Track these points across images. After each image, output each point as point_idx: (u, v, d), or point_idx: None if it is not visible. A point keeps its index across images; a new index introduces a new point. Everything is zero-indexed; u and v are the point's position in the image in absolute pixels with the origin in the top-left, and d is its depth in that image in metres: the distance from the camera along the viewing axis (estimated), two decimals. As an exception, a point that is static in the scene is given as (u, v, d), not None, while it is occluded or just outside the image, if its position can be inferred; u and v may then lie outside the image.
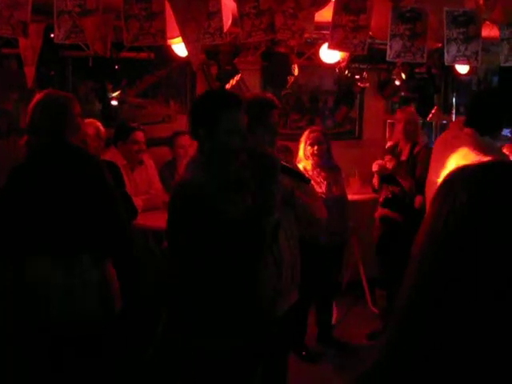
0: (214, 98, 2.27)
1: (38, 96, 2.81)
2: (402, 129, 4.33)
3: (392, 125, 5.35)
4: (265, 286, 2.34)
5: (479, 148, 2.90)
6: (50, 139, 2.74)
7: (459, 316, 0.71)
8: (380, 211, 4.38)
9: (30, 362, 2.78)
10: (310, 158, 4.02)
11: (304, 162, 4.02)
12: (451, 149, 3.01)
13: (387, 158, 4.27)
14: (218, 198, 2.12)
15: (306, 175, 3.75)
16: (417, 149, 4.28)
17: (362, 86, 5.17)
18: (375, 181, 4.36)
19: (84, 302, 2.66)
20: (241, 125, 2.20)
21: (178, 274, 2.31)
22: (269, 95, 2.85)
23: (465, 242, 0.72)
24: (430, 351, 0.72)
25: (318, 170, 4.03)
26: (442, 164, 3.04)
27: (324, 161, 4.04)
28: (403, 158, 4.30)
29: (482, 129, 3.00)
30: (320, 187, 3.96)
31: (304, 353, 4.10)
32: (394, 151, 4.38)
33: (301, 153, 4.07)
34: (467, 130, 3.04)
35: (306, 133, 4.09)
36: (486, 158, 2.78)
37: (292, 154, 3.77)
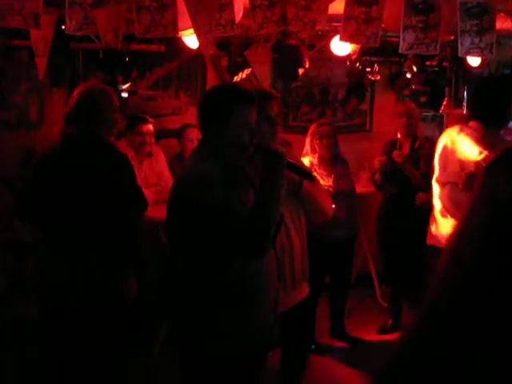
0: (229, 92, 2.25)
1: (79, 88, 2.91)
2: (404, 123, 4.28)
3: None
4: (267, 282, 2.28)
5: (485, 146, 2.81)
6: (83, 131, 2.82)
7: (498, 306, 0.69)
8: (380, 210, 4.38)
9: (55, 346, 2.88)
10: (318, 151, 4.00)
11: (310, 157, 4.00)
12: (456, 147, 2.94)
13: (395, 153, 4.22)
14: (225, 192, 2.08)
15: (312, 169, 3.75)
16: (417, 143, 4.25)
17: (372, 78, 5.14)
18: (377, 177, 4.33)
19: (104, 287, 2.75)
20: (252, 120, 2.20)
21: (179, 270, 2.27)
22: (267, 87, 2.84)
23: (506, 231, 0.70)
24: (458, 346, 0.71)
25: (325, 163, 4.02)
26: (450, 164, 2.98)
27: (331, 154, 4.03)
28: (405, 152, 4.26)
29: (487, 120, 2.88)
30: (327, 181, 3.95)
31: (313, 346, 4.10)
32: (393, 146, 4.33)
33: (308, 147, 4.04)
34: (472, 124, 2.93)
35: (314, 126, 4.07)
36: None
37: (292, 147, 3.76)
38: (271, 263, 2.28)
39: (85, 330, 2.70)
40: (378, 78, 5.19)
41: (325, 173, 3.99)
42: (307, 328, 4.04)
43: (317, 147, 3.99)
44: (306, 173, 2.48)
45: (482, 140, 2.84)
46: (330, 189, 3.87)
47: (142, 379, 3.76)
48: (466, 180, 2.76)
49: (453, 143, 2.98)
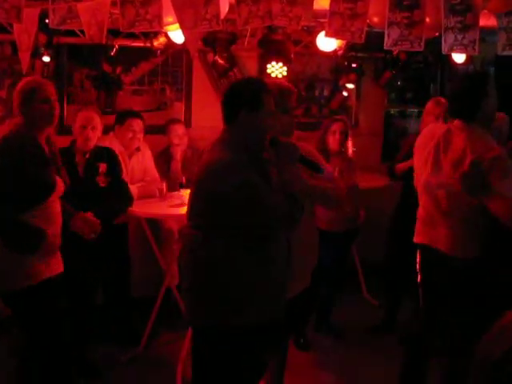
0: (258, 83, 2.41)
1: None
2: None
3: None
4: (281, 267, 2.44)
5: (473, 145, 2.80)
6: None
7: None
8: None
9: None
10: (330, 145, 4.08)
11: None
12: (445, 146, 2.94)
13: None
14: (255, 177, 2.25)
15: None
16: None
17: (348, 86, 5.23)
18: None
19: None
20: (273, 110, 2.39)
21: (203, 256, 2.36)
22: (284, 81, 2.92)
23: None
24: None
25: (333, 157, 4.09)
26: (437, 163, 2.96)
27: (341, 150, 4.13)
28: None
29: (468, 119, 2.88)
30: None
31: (302, 340, 4.12)
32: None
33: (317, 141, 4.09)
34: (456, 123, 2.93)
35: (329, 122, 4.16)
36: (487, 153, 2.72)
37: (305, 141, 3.80)
38: (283, 249, 2.44)
39: None
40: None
41: (330, 165, 4.02)
42: (301, 320, 4.08)
43: (329, 141, 4.08)
44: (317, 167, 2.54)
45: (468, 139, 2.84)
46: None
47: (130, 374, 3.77)
48: (461, 180, 2.76)
49: (444, 142, 2.95)
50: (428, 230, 3.02)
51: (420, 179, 3.08)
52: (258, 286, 2.35)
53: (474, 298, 2.88)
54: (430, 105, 4.19)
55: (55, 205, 2.92)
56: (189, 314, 2.51)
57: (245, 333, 2.32)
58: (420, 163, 3.08)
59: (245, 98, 2.32)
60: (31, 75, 3.75)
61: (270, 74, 4.61)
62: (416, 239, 3.12)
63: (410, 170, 3.45)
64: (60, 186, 2.95)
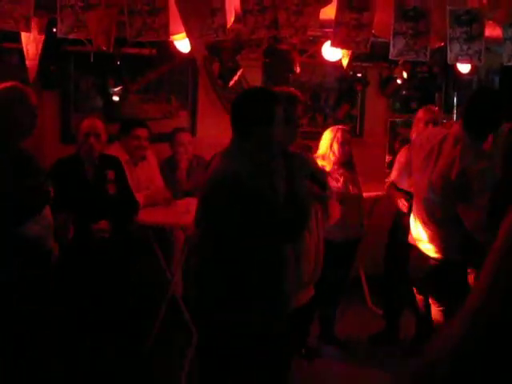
0: (271, 94, 2.44)
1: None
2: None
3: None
4: (290, 272, 2.47)
5: (466, 154, 2.91)
6: None
7: None
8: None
9: None
10: (335, 156, 4.04)
11: (321, 162, 4.00)
12: (439, 152, 3.02)
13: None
14: (264, 187, 2.29)
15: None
16: None
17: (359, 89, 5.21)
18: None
19: None
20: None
21: (210, 258, 2.39)
22: (293, 90, 2.91)
23: None
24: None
25: (337, 167, 4.07)
26: (427, 168, 3.05)
27: (347, 160, 4.11)
28: None
29: (477, 133, 2.97)
30: (336, 182, 4.01)
31: (304, 350, 4.10)
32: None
33: (322, 151, 4.07)
34: (457, 131, 3.02)
35: (334, 131, 4.10)
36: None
37: (312, 152, 3.85)
38: (291, 258, 2.47)
39: None
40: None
41: (334, 175, 4.04)
42: (303, 329, 4.07)
43: (337, 152, 4.05)
44: (323, 185, 2.61)
45: (461, 149, 2.93)
46: (338, 190, 3.93)
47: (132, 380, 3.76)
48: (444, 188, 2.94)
49: (439, 149, 3.04)
50: (415, 231, 3.23)
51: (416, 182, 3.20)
52: (264, 291, 2.37)
53: (450, 296, 3.00)
54: (420, 112, 4.26)
55: None
56: (196, 313, 2.57)
57: (247, 336, 2.35)
58: (418, 166, 3.14)
59: (257, 113, 2.32)
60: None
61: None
62: (408, 240, 3.32)
63: None
64: None
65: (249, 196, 2.23)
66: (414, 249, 3.28)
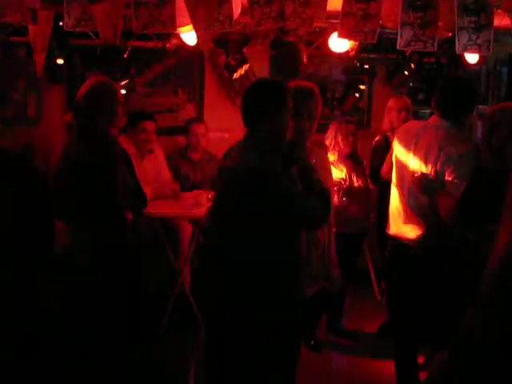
0: (280, 84, 2.42)
1: (89, 79, 3.07)
2: (403, 118, 4.22)
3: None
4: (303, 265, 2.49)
5: (444, 140, 2.90)
6: (83, 122, 2.99)
7: None
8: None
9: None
10: (340, 147, 4.03)
11: (330, 153, 4.00)
12: (417, 142, 3.02)
13: None
14: (286, 177, 2.32)
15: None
16: None
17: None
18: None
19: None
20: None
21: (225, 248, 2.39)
22: (312, 83, 2.88)
23: None
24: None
25: (342, 159, 4.06)
26: (408, 159, 3.05)
27: (352, 152, 4.10)
28: None
29: (454, 118, 2.98)
30: (340, 174, 4.01)
31: (312, 342, 4.11)
32: (386, 143, 4.22)
33: (328, 142, 4.07)
34: (435, 120, 3.03)
35: (339, 123, 4.11)
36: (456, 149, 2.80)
37: (326, 149, 3.89)
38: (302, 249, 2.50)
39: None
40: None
41: (339, 167, 4.03)
42: (312, 322, 4.08)
43: (341, 143, 4.04)
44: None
45: (445, 138, 2.91)
46: (342, 181, 3.92)
47: (143, 372, 3.77)
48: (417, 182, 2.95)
49: (417, 139, 3.03)
50: (396, 222, 3.17)
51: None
52: (279, 290, 2.38)
53: (432, 285, 2.98)
54: (391, 102, 4.38)
55: None
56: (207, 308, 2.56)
57: (260, 328, 2.35)
58: (399, 156, 3.15)
59: (270, 100, 2.34)
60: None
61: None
62: (387, 231, 3.26)
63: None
64: None
65: (281, 187, 2.26)
66: (392, 239, 3.20)
